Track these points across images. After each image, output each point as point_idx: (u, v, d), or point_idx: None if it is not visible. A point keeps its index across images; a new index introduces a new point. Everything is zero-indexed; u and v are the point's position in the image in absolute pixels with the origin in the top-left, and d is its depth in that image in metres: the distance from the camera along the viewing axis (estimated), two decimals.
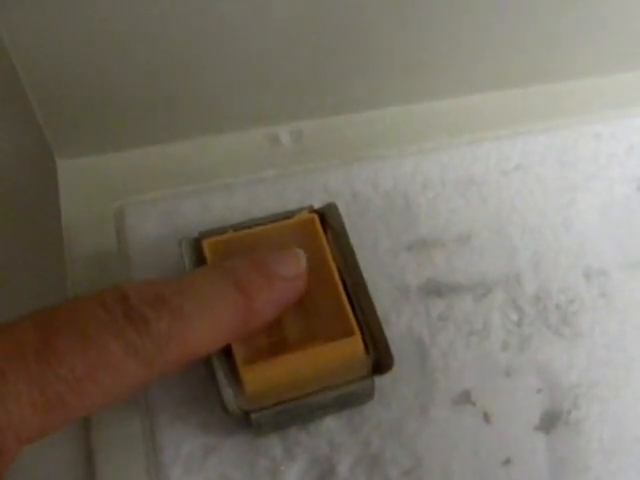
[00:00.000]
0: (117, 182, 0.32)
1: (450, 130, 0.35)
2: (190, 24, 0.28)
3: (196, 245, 0.27)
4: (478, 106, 0.36)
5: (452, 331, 0.29)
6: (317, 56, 0.32)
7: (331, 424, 0.27)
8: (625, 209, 0.33)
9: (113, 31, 0.28)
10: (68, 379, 0.19)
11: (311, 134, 0.34)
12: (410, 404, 0.27)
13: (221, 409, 0.24)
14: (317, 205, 0.29)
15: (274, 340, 0.26)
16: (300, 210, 0.28)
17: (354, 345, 0.25)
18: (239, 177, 0.32)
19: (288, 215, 0.28)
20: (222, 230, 0.28)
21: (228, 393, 0.25)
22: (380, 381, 0.26)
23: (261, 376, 0.25)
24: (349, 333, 0.25)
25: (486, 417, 0.28)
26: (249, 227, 0.28)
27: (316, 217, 0.28)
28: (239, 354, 0.25)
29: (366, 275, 0.27)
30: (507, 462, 0.27)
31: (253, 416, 0.25)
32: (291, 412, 0.25)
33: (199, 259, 0.27)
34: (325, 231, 0.28)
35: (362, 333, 0.26)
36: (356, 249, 0.28)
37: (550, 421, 0.28)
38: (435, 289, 0.30)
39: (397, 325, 0.29)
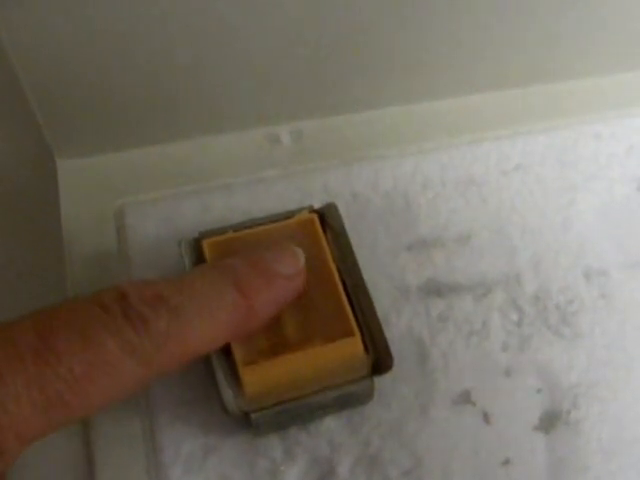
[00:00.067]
0: (117, 182, 0.32)
1: (450, 130, 0.35)
2: (190, 24, 0.28)
3: (196, 245, 0.27)
4: (478, 106, 0.36)
5: (452, 331, 0.29)
6: (317, 56, 0.32)
7: (331, 424, 0.27)
8: (625, 209, 0.33)
9: (113, 31, 0.28)
10: (67, 378, 0.19)
11: (311, 134, 0.34)
12: (410, 404, 0.27)
13: (221, 409, 0.24)
14: (317, 205, 0.29)
15: (274, 340, 0.26)
16: (300, 210, 0.28)
17: (354, 345, 0.25)
18: (239, 177, 0.32)
19: (288, 215, 0.28)
20: (222, 230, 0.28)
21: (228, 393, 0.25)
22: (380, 381, 0.26)
23: (261, 376, 0.25)
24: (349, 333, 0.25)
25: (486, 417, 0.28)
26: (249, 227, 0.28)
27: (316, 217, 0.28)
28: (239, 354, 0.25)
29: (366, 275, 0.27)
30: (507, 462, 0.27)
31: (253, 416, 0.25)
32: (291, 412, 0.25)
33: (199, 259, 0.27)
34: (325, 231, 0.28)
35: (362, 333, 0.26)
36: (356, 249, 0.28)
37: (550, 421, 0.28)
38: (435, 289, 0.30)
39: (397, 325, 0.29)
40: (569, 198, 0.33)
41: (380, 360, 0.26)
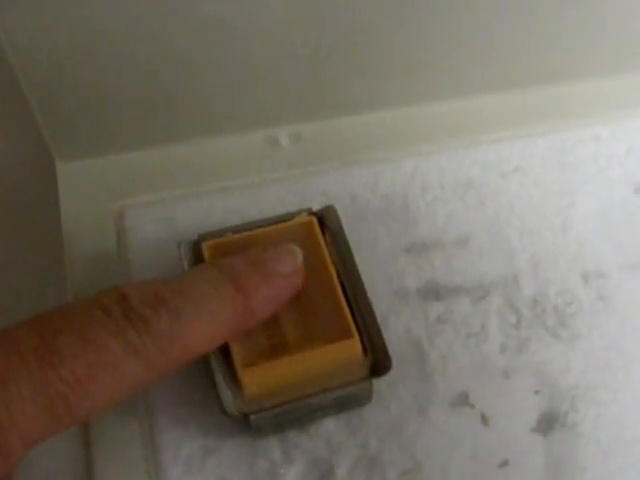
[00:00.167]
0: (117, 184, 0.32)
1: (449, 132, 0.35)
2: (189, 26, 0.28)
3: (195, 247, 0.27)
4: (477, 108, 0.36)
5: (450, 333, 0.29)
6: (316, 58, 0.32)
7: (330, 426, 0.27)
8: (624, 211, 0.33)
9: (112, 33, 0.28)
10: (70, 381, 0.19)
11: (310, 136, 0.34)
12: (408, 406, 0.28)
13: (220, 411, 0.24)
14: (316, 208, 0.29)
15: (273, 342, 0.26)
16: (299, 212, 0.28)
17: (352, 347, 0.25)
18: (238, 179, 0.32)
19: (287, 218, 0.28)
20: (221, 232, 0.28)
21: (227, 395, 0.25)
22: (378, 383, 0.26)
23: (260, 378, 0.25)
24: (347, 335, 0.25)
25: (484, 419, 0.28)
26: (248, 229, 0.28)
27: (314, 220, 0.28)
28: (238, 356, 0.25)
29: (365, 277, 0.27)
30: (505, 464, 0.27)
31: (252, 418, 0.25)
32: (290, 414, 0.25)
33: (198, 261, 0.27)
34: (324, 233, 0.28)
35: (360, 335, 0.26)
36: (355, 251, 0.28)
37: (548, 423, 0.28)
38: (434, 291, 0.30)
39: (395, 327, 0.29)
40: (568, 200, 0.33)
41: (379, 362, 0.26)
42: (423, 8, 0.31)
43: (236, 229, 0.28)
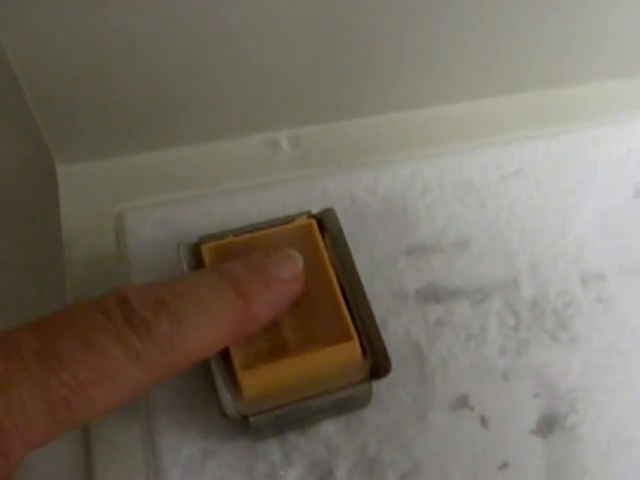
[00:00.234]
0: (117, 187, 0.32)
1: (449, 135, 0.35)
2: (190, 31, 0.28)
3: (194, 250, 0.27)
4: (477, 111, 0.36)
5: (450, 336, 0.29)
6: (316, 62, 0.32)
7: (329, 428, 0.27)
8: (623, 214, 0.33)
9: (113, 37, 0.28)
10: (71, 384, 0.19)
11: (310, 140, 0.34)
12: (408, 408, 0.28)
13: (220, 413, 0.24)
14: (316, 210, 0.29)
15: (272, 344, 0.26)
16: (299, 215, 0.28)
17: (352, 350, 0.26)
18: (238, 182, 0.33)
19: (287, 220, 0.28)
20: (221, 235, 0.28)
21: (227, 397, 0.25)
22: (378, 385, 0.26)
23: (259, 380, 0.25)
24: (347, 338, 0.25)
25: (483, 421, 0.28)
26: (248, 232, 0.28)
27: (314, 222, 0.28)
28: (237, 358, 0.25)
29: (364, 280, 0.27)
30: (504, 466, 0.27)
31: (252, 420, 0.25)
32: (289, 416, 0.25)
33: (197, 264, 0.27)
34: (323, 236, 0.28)
35: (360, 338, 0.26)
36: (354, 254, 0.28)
37: (547, 425, 0.28)
38: (433, 294, 0.30)
39: (395, 330, 0.29)
40: (567, 203, 0.33)
41: (378, 364, 0.26)
42: (423, 13, 0.31)
43: (236, 231, 0.28)
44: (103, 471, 0.26)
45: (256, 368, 0.25)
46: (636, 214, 0.33)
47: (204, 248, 0.27)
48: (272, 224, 0.28)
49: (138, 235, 0.30)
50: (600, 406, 0.28)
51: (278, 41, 0.30)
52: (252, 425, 0.25)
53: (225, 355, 0.25)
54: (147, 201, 0.32)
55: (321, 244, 0.27)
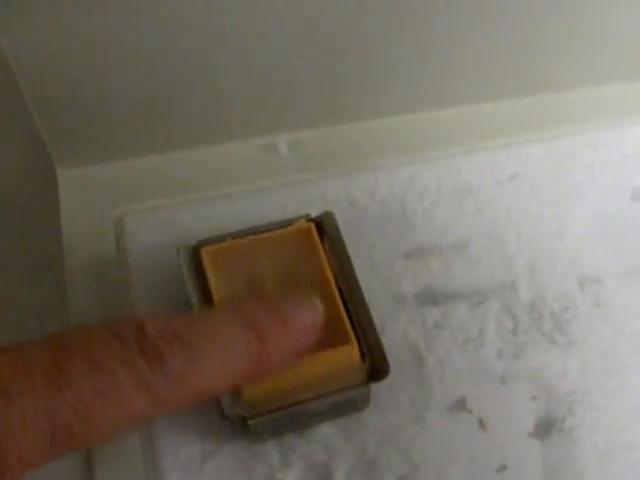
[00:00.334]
0: (117, 191, 0.32)
1: (447, 139, 0.35)
2: (189, 37, 0.29)
3: (194, 253, 0.27)
4: (474, 116, 0.36)
5: (448, 339, 0.29)
6: (315, 67, 0.32)
7: (328, 431, 0.27)
8: (620, 218, 0.33)
9: (113, 44, 0.28)
10: (75, 406, 0.19)
11: (308, 144, 0.34)
12: (406, 411, 0.28)
13: (219, 415, 0.24)
14: (314, 214, 0.29)
15: None
16: (297, 219, 0.28)
17: (350, 353, 0.26)
18: (238, 186, 0.33)
19: (286, 224, 0.28)
20: (220, 238, 0.28)
21: (226, 399, 0.25)
22: (376, 388, 0.26)
23: (258, 383, 0.25)
24: (345, 341, 0.25)
25: (481, 424, 0.28)
26: (247, 236, 0.28)
27: (313, 226, 0.28)
28: None
29: (363, 283, 0.27)
30: (502, 469, 0.27)
31: (250, 422, 0.25)
32: (288, 418, 0.25)
33: (197, 267, 0.27)
34: (322, 239, 0.28)
35: (358, 341, 0.26)
36: (353, 257, 0.28)
37: (545, 428, 0.28)
38: (431, 297, 0.30)
39: (393, 333, 0.29)
40: (564, 207, 0.33)
41: (376, 367, 0.26)
42: (420, 19, 0.31)
43: (235, 235, 0.28)
44: (103, 472, 0.26)
45: None
46: (634, 218, 0.33)
47: (203, 251, 0.27)
48: (271, 227, 0.28)
49: (138, 238, 0.30)
50: (598, 409, 0.28)
51: (278, 41, 0.30)
52: (251, 427, 0.25)
53: None
54: (147, 205, 0.32)
55: (320, 247, 0.27)
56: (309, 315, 0.24)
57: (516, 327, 0.30)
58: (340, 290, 0.27)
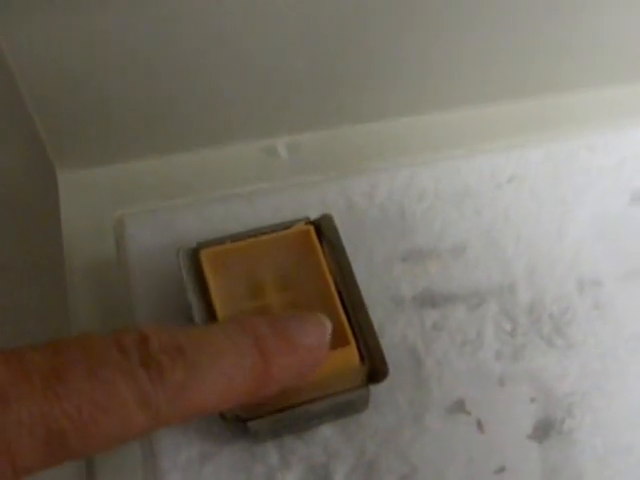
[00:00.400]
0: (117, 193, 0.32)
1: (445, 142, 0.35)
2: (189, 37, 0.29)
3: (194, 255, 0.27)
4: (473, 118, 0.36)
5: (446, 341, 0.29)
6: (314, 70, 0.32)
7: (327, 432, 0.27)
8: (618, 220, 0.33)
9: (113, 44, 0.28)
10: (73, 415, 0.18)
11: (308, 146, 0.34)
12: (405, 413, 0.28)
13: (218, 416, 0.25)
14: (313, 216, 0.29)
15: None
16: (296, 221, 0.28)
17: (349, 355, 0.26)
18: (237, 188, 0.33)
19: (285, 226, 0.28)
20: (220, 240, 0.28)
21: None
22: (375, 390, 0.26)
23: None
24: (344, 343, 0.25)
25: (480, 426, 0.28)
26: (246, 238, 0.28)
27: (312, 228, 0.28)
28: None
29: (361, 285, 0.27)
30: (501, 470, 0.27)
31: (250, 424, 0.25)
32: (287, 420, 0.25)
33: (196, 269, 0.27)
34: (321, 242, 0.28)
35: (357, 343, 0.26)
36: (351, 259, 0.28)
37: (544, 430, 0.28)
38: (430, 299, 0.30)
39: (392, 335, 0.29)
40: (563, 209, 0.33)
41: (376, 369, 0.26)
42: (420, 19, 0.31)
43: (234, 237, 0.28)
44: (103, 472, 0.26)
45: None
46: (633, 220, 0.33)
47: (203, 253, 0.27)
48: (270, 230, 0.28)
49: (138, 240, 0.30)
50: (597, 411, 0.28)
51: (278, 41, 0.30)
52: (250, 429, 0.25)
53: None
54: (147, 206, 0.32)
55: (319, 250, 0.27)
56: (316, 336, 0.24)
57: (515, 329, 0.30)
58: (339, 292, 0.27)
